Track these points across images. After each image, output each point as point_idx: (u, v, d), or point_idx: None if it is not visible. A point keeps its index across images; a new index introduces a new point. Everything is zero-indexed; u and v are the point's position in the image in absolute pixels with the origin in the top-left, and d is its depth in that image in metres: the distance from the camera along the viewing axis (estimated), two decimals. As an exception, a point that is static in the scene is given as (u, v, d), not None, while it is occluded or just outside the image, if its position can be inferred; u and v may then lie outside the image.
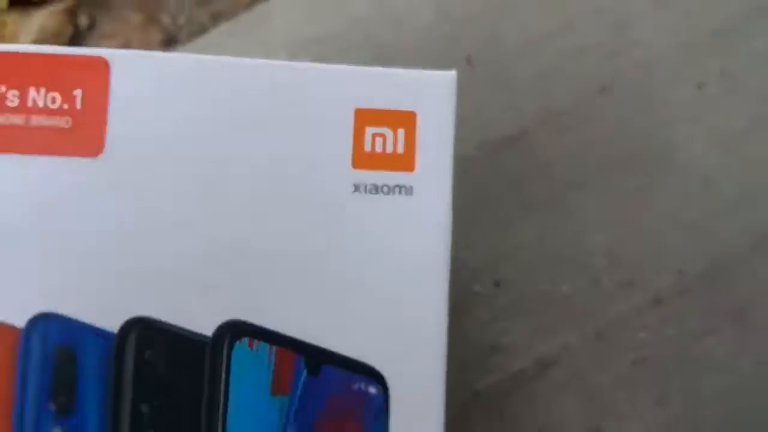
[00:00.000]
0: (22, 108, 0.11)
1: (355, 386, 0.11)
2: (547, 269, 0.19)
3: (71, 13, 0.22)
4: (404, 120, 0.12)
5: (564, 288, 0.19)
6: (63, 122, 0.11)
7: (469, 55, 0.19)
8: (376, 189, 0.12)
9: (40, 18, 0.24)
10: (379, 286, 0.11)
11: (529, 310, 0.18)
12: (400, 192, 0.12)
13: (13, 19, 0.25)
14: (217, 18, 0.20)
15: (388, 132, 0.12)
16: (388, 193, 0.12)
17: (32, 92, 0.11)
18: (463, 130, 0.13)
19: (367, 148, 0.12)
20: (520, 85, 0.19)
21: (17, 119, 0.11)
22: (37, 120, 0.11)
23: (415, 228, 0.12)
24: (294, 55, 0.19)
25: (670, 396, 0.18)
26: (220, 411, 0.11)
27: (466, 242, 0.18)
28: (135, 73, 0.11)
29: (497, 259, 0.18)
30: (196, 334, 0.11)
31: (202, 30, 0.20)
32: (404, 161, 0.12)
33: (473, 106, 0.19)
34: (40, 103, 0.11)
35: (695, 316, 0.19)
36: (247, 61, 0.12)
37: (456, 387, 0.13)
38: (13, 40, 0.24)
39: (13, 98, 0.11)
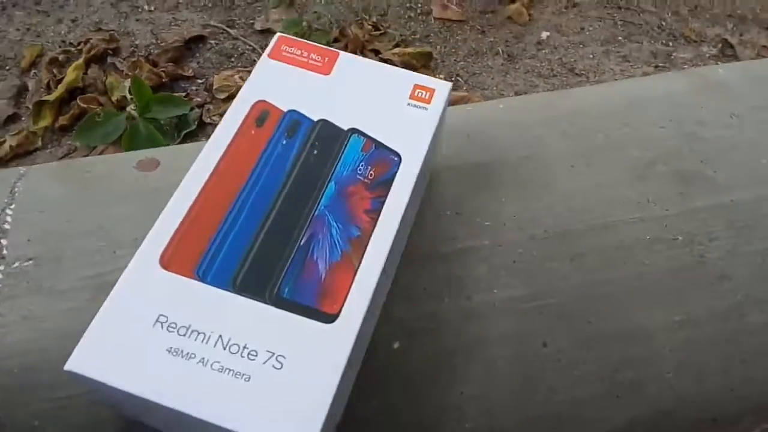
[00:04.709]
0: (309, 59, 0.34)
1: (390, 157, 0.31)
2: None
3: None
4: (431, 90, 0.33)
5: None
6: (320, 65, 0.34)
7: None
8: (418, 107, 0.33)
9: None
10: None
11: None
12: (425, 110, 0.33)
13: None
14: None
15: (424, 92, 0.33)
16: (420, 108, 0.33)
17: (313, 55, 0.34)
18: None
19: (416, 94, 0.33)
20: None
21: (309, 62, 0.34)
22: (313, 63, 0.34)
23: (429, 120, 0.32)
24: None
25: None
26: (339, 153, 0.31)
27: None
28: (342, 59, 0.34)
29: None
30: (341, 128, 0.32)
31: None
32: (428, 101, 0.33)
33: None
34: (316, 58, 0.34)
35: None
36: (378, 65, 0.34)
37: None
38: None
39: (309, 56, 0.34)
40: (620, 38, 0.77)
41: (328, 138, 0.31)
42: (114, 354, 0.24)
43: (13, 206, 0.36)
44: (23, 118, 0.57)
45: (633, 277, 0.36)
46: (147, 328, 0.25)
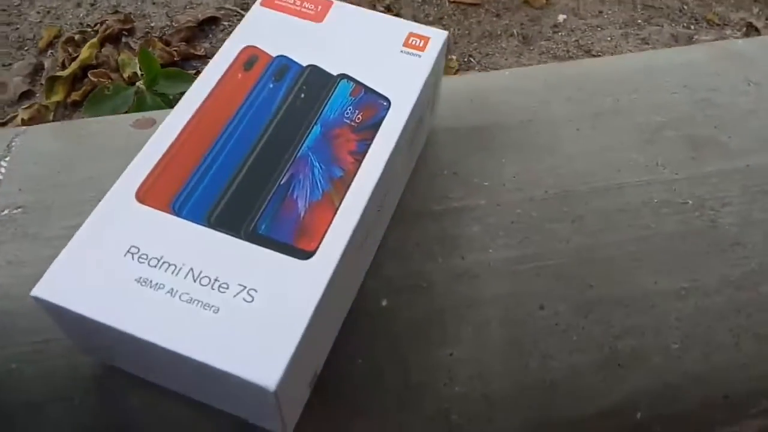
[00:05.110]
0: (302, 7, 0.33)
1: (379, 102, 0.30)
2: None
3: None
4: (426, 38, 0.32)
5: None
6: (313, 13, 0.33)
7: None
8: (411, 54, 0.32)
9: None
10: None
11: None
12: (418, 57, 0.31)
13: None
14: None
15: (418, 40, 0.32)
16: (413, 56, 0.32)
17: (306, 3, 0.33)
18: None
19: (410, 42, 0.32)
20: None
21: (301, 10, 0.33)
22: (306, 11, 0.33)
23: (422, 66, 0.31)
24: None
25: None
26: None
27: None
28: (336, 7, 0.33)
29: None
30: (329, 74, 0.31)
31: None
32: (421, 48, 0.32)
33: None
34: (309, 6, 0.33)
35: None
36: (370, 13, 0.33)
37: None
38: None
39: (302, 4, 0.34)
40: (639, 21, 0.75)
41: (317, 83, 0.31)
42: (81, 282, 0.24)
43: (8, 158, 0.36)
44: (37, 95, 0.58)
45: (638, 241, 0.34)
46: (117, 258, 0.24)
